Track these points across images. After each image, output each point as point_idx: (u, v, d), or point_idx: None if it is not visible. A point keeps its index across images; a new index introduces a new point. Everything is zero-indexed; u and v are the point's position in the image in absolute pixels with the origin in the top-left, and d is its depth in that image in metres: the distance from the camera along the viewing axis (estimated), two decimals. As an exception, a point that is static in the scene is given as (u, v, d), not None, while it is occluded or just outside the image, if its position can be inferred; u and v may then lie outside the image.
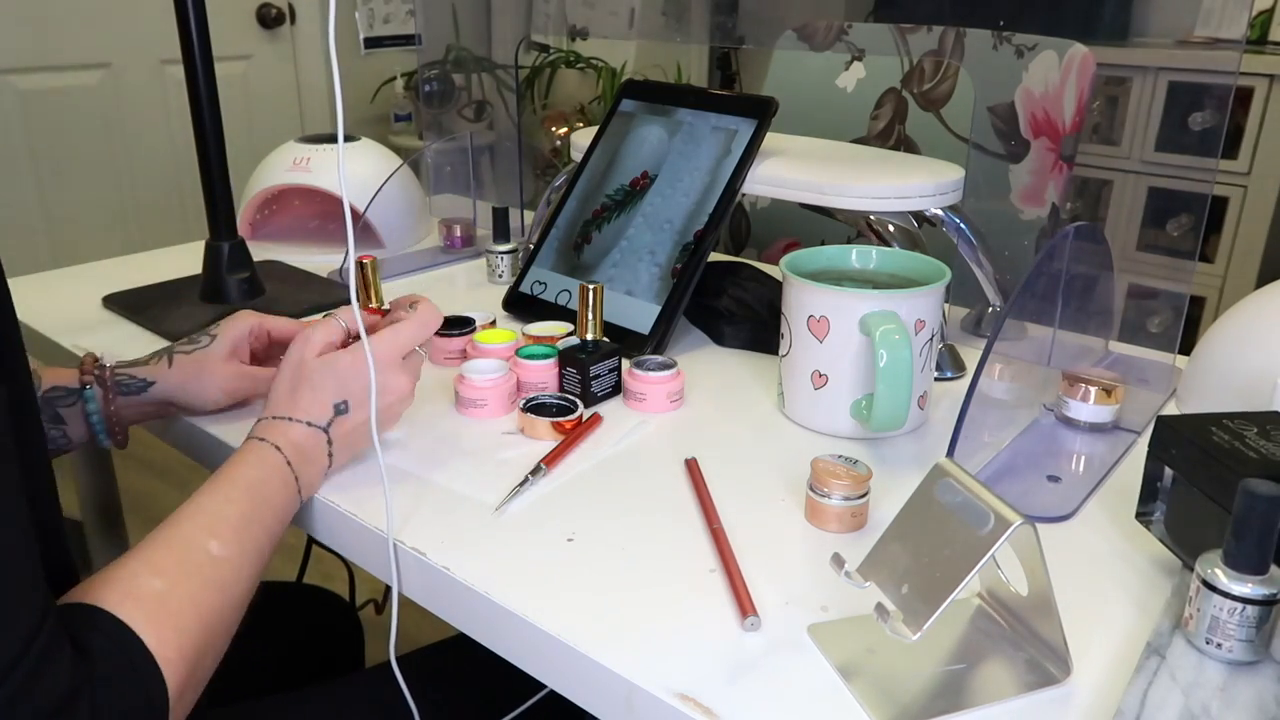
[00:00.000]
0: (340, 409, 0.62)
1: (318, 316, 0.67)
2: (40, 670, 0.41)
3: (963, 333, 0.95)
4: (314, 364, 0.62)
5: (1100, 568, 0.58)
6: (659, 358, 0.80)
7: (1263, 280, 1.93)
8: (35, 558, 0.44)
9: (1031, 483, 0.67)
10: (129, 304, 0.98)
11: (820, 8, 1.38)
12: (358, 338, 0.64)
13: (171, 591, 0.50)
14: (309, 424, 0.61)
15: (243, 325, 0.73)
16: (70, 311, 0.98)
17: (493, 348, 0.82)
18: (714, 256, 0.97)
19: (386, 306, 0.70)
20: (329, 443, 0.62)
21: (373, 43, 3.07)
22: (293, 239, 1.22)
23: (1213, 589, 0.47)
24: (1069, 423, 0.75)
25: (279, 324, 0.75)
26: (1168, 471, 0.57)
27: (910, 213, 0.87)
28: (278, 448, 0.60)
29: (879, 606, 0.47)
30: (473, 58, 2.81)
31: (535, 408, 0.74)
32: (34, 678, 0.41)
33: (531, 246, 1.00)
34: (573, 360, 0.78)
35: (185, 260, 1.13)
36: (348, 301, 0.60)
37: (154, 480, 2.16)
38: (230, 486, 0.57)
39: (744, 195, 0.91)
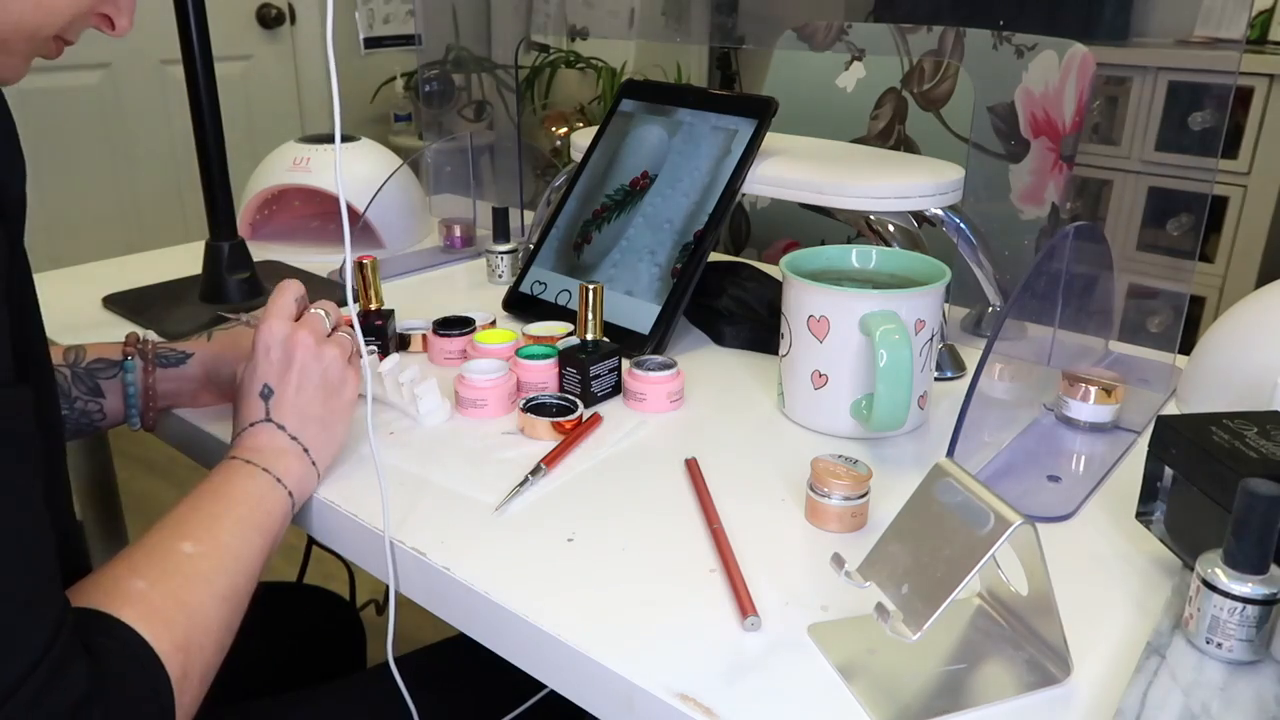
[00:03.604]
0: (265, 393, 0.64)
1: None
2: (59, 672, 0.43)
3: (963, 333, 0.95)
4: (238, 386, 0.66)
5: (1100, 568, 0.58)
6: (659, 358, 0.80)
7: (1263, 280, 1.93)
8: (55, 562, 0.45)
9: (1031, 483, 0.67)
10: (129, 304, 0.98)
11: (820, 8, 1.38)
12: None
13: (153, 589, 0.52)
14: (251, 424, 0.64)
15: None
16: (70, 311, 0.98)
17: (493, 348, 0.82)
18: (714, 256, 0.97)
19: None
20: (280, 428, 0.64)
21: (373, 43, 3.07)
22: (293, 239, 1.22)
23: (1213, 589, 0.47)
24: (1069, 422, 0.75)
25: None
26: (1168, 471, 0.56)
27: (910, 213, 0.87)
28: (233, 455, 0.63)
29: (879, 606, 0.47)
30: (473, 58, 2.81)
31: (535, 408, 0.74)
32: (54, 679, 0.43)
33: (531, 246, 1.00)
34: (573, 360, 0.77)
35: (185, 260, 1.13)
36: (344, 302, 0.60)
37: (154, 480, 2.16)
38: (195, 497, 0.60)
39: (744, 195, 0.91)
